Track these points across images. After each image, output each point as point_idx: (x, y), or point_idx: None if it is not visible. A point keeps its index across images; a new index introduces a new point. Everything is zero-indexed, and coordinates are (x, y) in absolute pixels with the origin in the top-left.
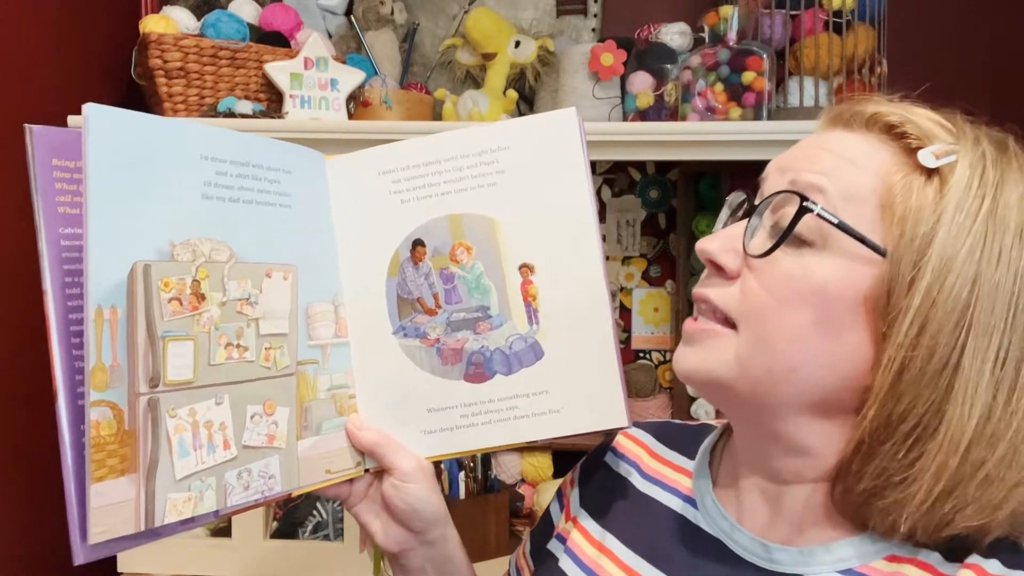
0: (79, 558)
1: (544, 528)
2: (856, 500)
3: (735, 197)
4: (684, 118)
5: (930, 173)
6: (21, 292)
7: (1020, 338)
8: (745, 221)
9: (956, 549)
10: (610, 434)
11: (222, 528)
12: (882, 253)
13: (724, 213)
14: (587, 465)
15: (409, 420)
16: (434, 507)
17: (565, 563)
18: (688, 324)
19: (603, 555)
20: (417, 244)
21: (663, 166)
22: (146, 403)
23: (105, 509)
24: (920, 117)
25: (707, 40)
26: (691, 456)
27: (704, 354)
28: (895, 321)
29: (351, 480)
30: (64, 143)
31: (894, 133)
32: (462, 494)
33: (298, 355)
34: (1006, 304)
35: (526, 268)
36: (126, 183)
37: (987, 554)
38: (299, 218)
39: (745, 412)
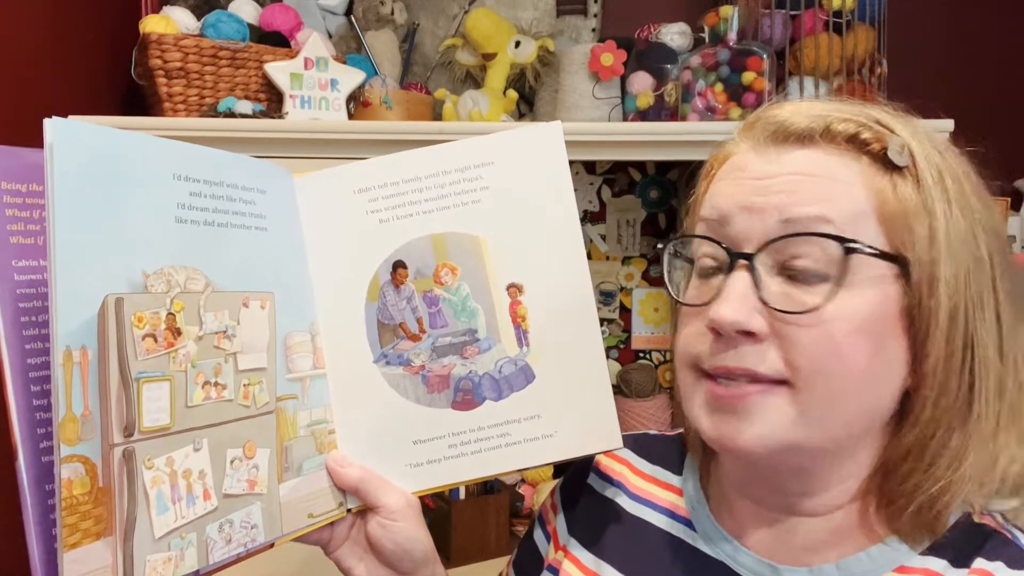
0: None
1: (530, 557)
2: (901, 495)
3: (680, 246)
4: (684, 118)
5: (901, 170)
6: None
7: (1004, 298)
8: (741, 275)
9: (961, 555)
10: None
11: None
12: (906, 263)
13: (675, 266)
14: (568, 489)
15: (394, 454)
16: (424, 546)
17: None
18: (719, 391)
19: None
20: (398, 266)
21: (663, 166)
22: (121, 455)
23: None
24: (856, 116)
25: (707, 40)
26: (674, 470)
27: (760, 424)
28: (931, 320)
29: (332, 523)
30: (15, 165)
31: (856, 141)
32: (462, 494)
33: (277, 390)
34: (988, 270)
35: (514, 288)
36: (94, 206)
37: (991, 557)
38: (275, 242)
39: (796, 464)
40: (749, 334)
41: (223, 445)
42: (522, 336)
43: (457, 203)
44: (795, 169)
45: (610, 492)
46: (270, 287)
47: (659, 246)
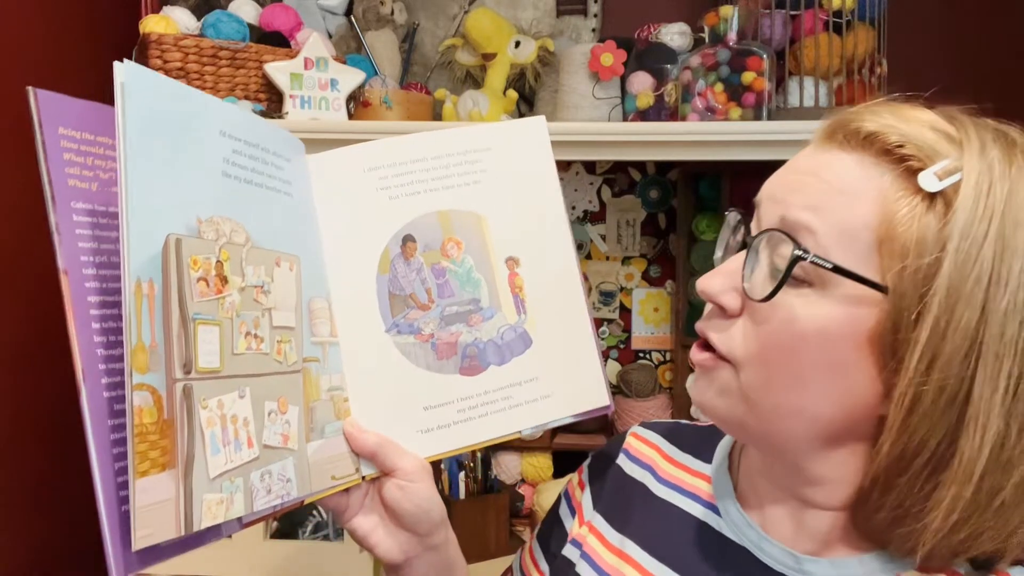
0: (119, 570)
1: (554, 531)
2: (877, 527)
3: (733, 217)
4: (684, 118)
5: (932, 196)
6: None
7: None
8: (743, 255)
9: (983, 562)
10: (606, 425)
11: None
12: (883, 290)
13: (724, 233)
14: (596, 467)
15: (405, 420)
16: (440, 507)
17: (583, 568)
18: (694, 353)
19: (624, 562)
20: (408, 239)
21: (663, 166)
22: (182, 390)
23: (149, 509)
24: (922, 130)
25: (707, 40)
26: (705, 459)
27: (715, 389)
28: (904, 356)
29: (347, 490)
30: (71, 112)
31: (894, 155)
32: (462, 494)
33: (303, 351)
34: (1016, 329)
35: (512, 261)
36: (159, 149)
37: (1013, 563)
38: (297, 208)
39: (762, 446)
40: (722, 309)
41: (262, 396)
42: (520, 304)
43: (460, 183)
44: (812, 170)
45: (639, 474)
46: (295, 251)
47: (728, 211)
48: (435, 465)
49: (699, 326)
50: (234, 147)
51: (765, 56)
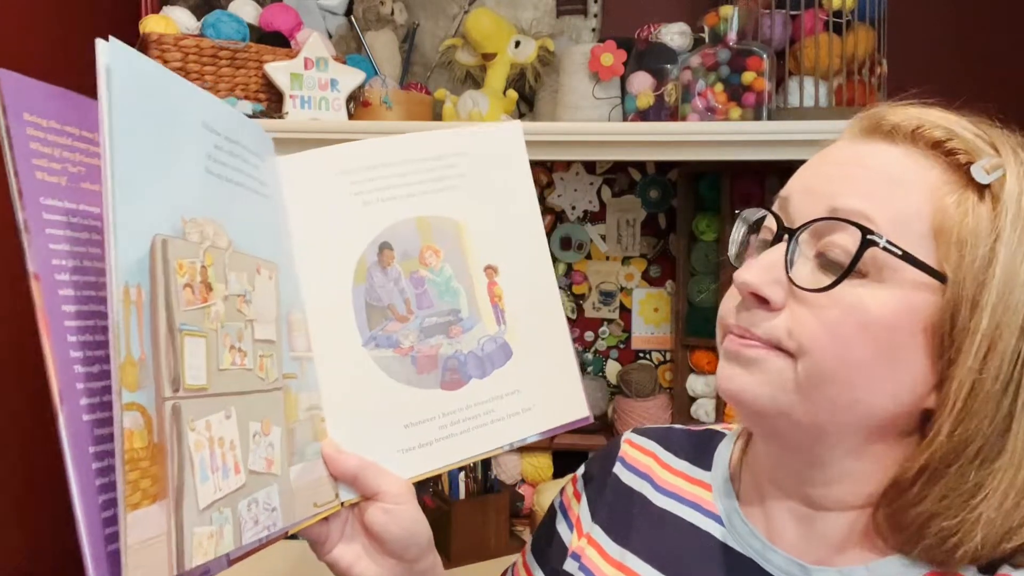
0: None
1: (551, 543)
2: (913, 521)
3: (751, 214)
4: (684, 118)
5: (981, 189)
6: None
7: None
8: (781, 247)
9: (987, 566)
10: (606, 425)
11: None
12: (943, 279)
13: (740, 230)
14: (591, 476)
15: (385, 440)
16: (427, 529)
17: None
18: (733, 342)
19: (622, 572)
20: (384, 247)
21: (663, 166)
22: (171, 410)
23: (141, 547)
24: (964, 130)
25: (707, 40)
26: (702, 466)
27: (761, 378)
28: (962, 344)
29: (326, 519)
30: (36, 97)
31: (941, 148)
32: (462, 494)
33: (283, 367)
34: None
35: (491, 270)
36: (145, 140)
37: (1019, 565)
38: (272, 210)
39: (795, 439)
40: (763, 301)
41: (247, 417)
42: (500, 315)
43: (437, 188)
44: (860, 162)
45: (636, 484)
46: (273, 258)
47: (737, 212)
48: None
49: (734, 320)
50: (216, 142)
51: (765, 56)
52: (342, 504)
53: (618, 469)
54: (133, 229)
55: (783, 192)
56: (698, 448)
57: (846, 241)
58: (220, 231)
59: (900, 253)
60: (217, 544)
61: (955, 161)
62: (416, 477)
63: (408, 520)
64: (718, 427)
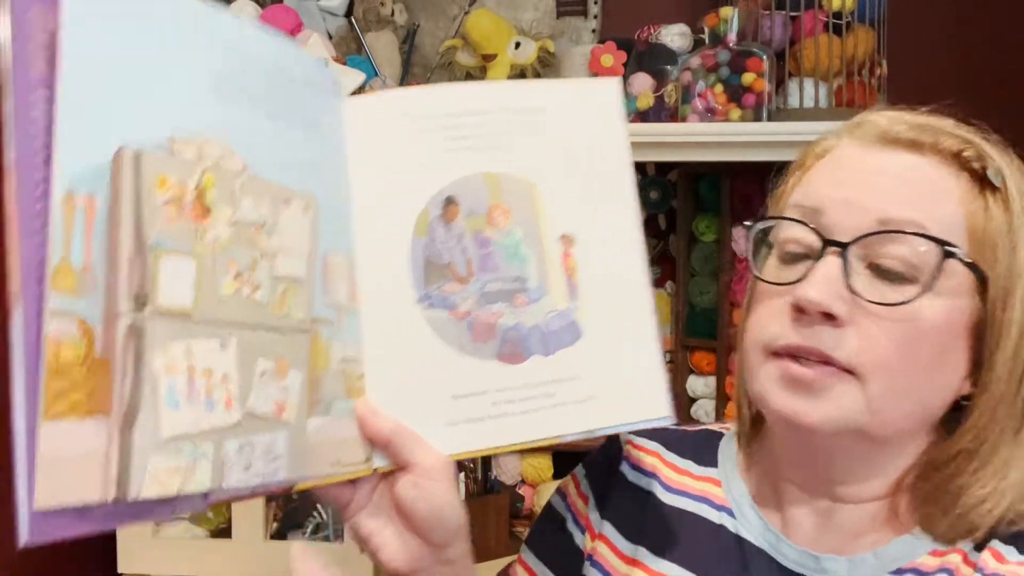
0: (23, 535)
1: (557, 541)
2: (944, 497)
3: (794, 228)
4: (684, 119)
5: (994, 190)
6: None
7: None
8: (832, 261)
9: (982, 541)
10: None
11: (222, 528)
12: (985, 279)
13: (756, 241)
14: (595, 477)
15: (430, 408)
16: (459, 514)
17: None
18: (797, 369)
19: (636, 568)
20: (450, 201)
21: (663, 167)
22: (127, 327)
23: (61, 461)
24: (970, 136)
25: (707, 41)
26: (705, 463)
27: (832, 406)
28: (999, 338)
29: (352, 481)
30: None
31: (961, 158)
32: (462, 495)
33: (313, 310)
34: None
35: (566, 239)
36: (120, 37)
37: (1007, 542)
38: (320, 144)
39: (849, 449)
40: (830, 317)
41: (254, 352)
42: (571, 290)
43: (512, 144)
44: (898, 172)
45: (644, 483)
46: (312, 192)
47: (747, 224)
48: None
49: (795, 340)
50: (234, 59)
51: (765, 57)
52: (374, 470)
53: (624, 469)
54: (86, 133)
55: (806, 202)
56: (699, 447)
57: (902, 251)
58: (231, 155)
59: (969, 263)
60: (185, 480)
61: (971, 167)
62: (458, 454)
63: (439, 500)
64: (715, 427)
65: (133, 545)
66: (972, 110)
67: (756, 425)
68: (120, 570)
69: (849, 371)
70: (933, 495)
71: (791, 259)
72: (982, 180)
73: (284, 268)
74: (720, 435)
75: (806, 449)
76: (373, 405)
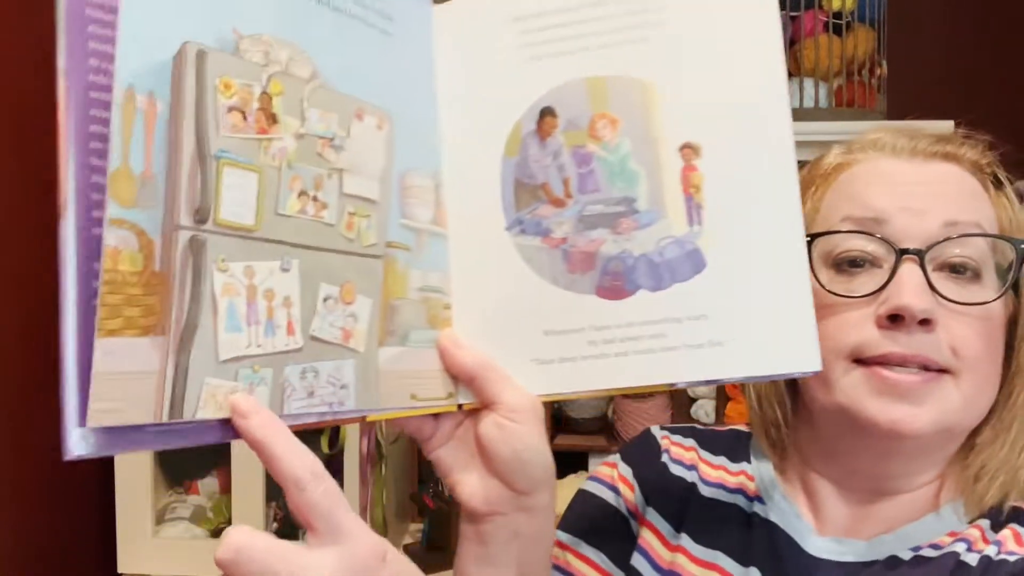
0: (71, 449)
1: (625, 536)
2: (973, 474)
3: (869, 241)
4: None
5: (1000, 190)
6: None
7: None
8: (911, 267)
9: (998, 522)
10: (606, 426)
11: (222, 528)
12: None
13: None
14: (641, 468)
15: (519, 344)
16: (545, 462)
17: (637, 561)
18: (900, 377)
19: (679, 554)
20: (546, 113)
21: None
22: (187, 242)
23: (115, 378)
24: (980, 145)
25: None
26: (738, 460)
27: (937, 408)
28: None
29: (435, 415)
30: None
31: (985, 170)
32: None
33: (387, 233)
34: None
35: (689, 149)
36: None
37: (1022, 522)
38: (399, 53)
39: (919, 448)
40: (925, 322)
41: (316, 276)
42: (694, 211)
43: (622, 40)
44: (944, 180)
45: (688, 476)
46: (389, 106)
47: (809, 236)
48: None
49: (907, 350)
50: None
51: None
52: (460, 407)
53: (666, 460)
54: (148, 27)
55: (864, 213)
56: (731, 445)
57: (969, 252)
58: (301, 59)
59: None
60: None
61: (987, 171)
62: (549, 396)
63: (523, 443)
64: (740, 427)
65: (133, 545)
66: (971, 110)
67: (779, 426)
68: (120, 570)
69: (943, 372)
70: (962, 475)
71: (849, 270)
72: (995, 182)
73: (354, 188)
74: (748, 435)
75: (870, 452)
76: (455, 337)
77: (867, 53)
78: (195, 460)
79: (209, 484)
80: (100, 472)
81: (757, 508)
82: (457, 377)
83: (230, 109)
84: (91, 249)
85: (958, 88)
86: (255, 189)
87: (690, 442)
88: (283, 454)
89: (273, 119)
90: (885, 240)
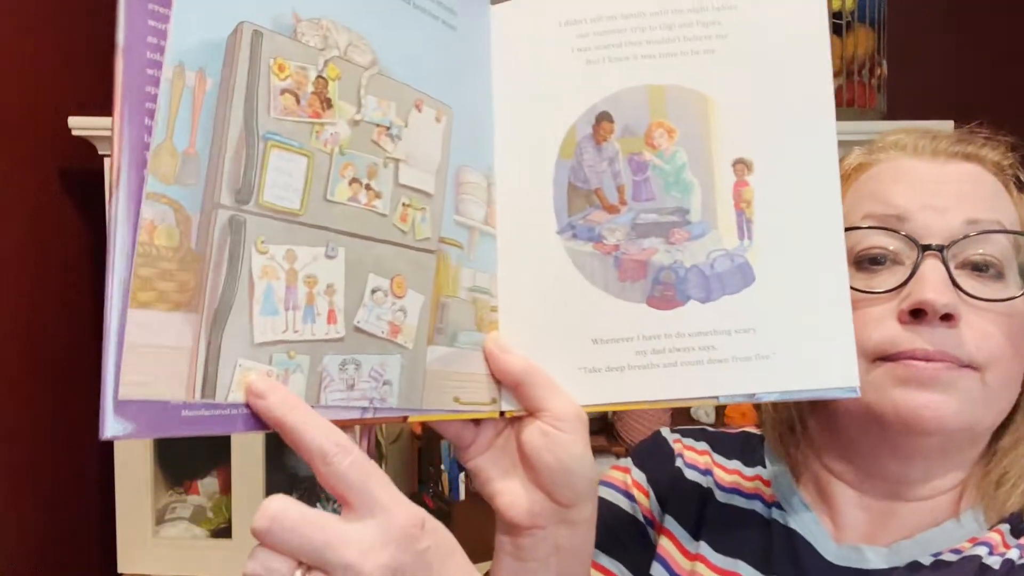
0: (106, 428)
1: (644, 544)
2: (993, 479)
3: (889, 238)
4: None
5: (1021, 190)
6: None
7: None
8: (934, 264)
9: (1019, 527)
10: (606, 426)
11: (222, 528)
12: None
13: (847, 268)
14: (655, 473)
15: (567, 351)
16: (590, 474)
17: (656, 570)
18: (925, 366)
19: (699, 563)
20: (603, 119)
21: None
22: (227, 221)
23: (147, 351)
24: (1002, 146)
25: None
26: (751, 464)
27: (958, 398)
28: None
29: (476, 421)
30: None
31: (1006, 171)
32: (462, 495)
33: (442, 229)
34: None
35: (742, 165)
36: None
37: None
38: (460, 48)
39: (944, 447)
40: (947, 318)
41: (365, 266)
42: (744, 225)
43: (686, 50)
44: (965, 179)
45: (703, 481)
46: (448, 100)
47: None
48: (435, 465)
49: (931, 346)
50: None
51: None
52: (501, 413)
53: (680, 465)
54: (205, 4)
55: (885, 211)
56: (743, 448)
57: (991, 249)
58: (362, 46)
59: None
60: None
61: (1008, 171)
62: (595, 406)
63: (568, 453)
64: (750, 429)
65: (133, 545)
66: (971, 110)
67: (793, 427)
68: (120, 570)
69: (967, 368)
70: (983, 480)
71: (870, 267)
72: (1016, 182)
73: (409, 179)
74: (760, 437)
75: (889, 450)
76: (503, 341)
77: (867, 53)
78: (195, 460)
79: (209, 484)
80: (100, 472)
81: (776, 515)
82: (503, 382)
83: (283, 91)
84: (135, 223)
85: (958, 88)
86: (303, 173)
87: (703, 445)
88: (304, 427)
89: (328, 104)
90: (907, 236)
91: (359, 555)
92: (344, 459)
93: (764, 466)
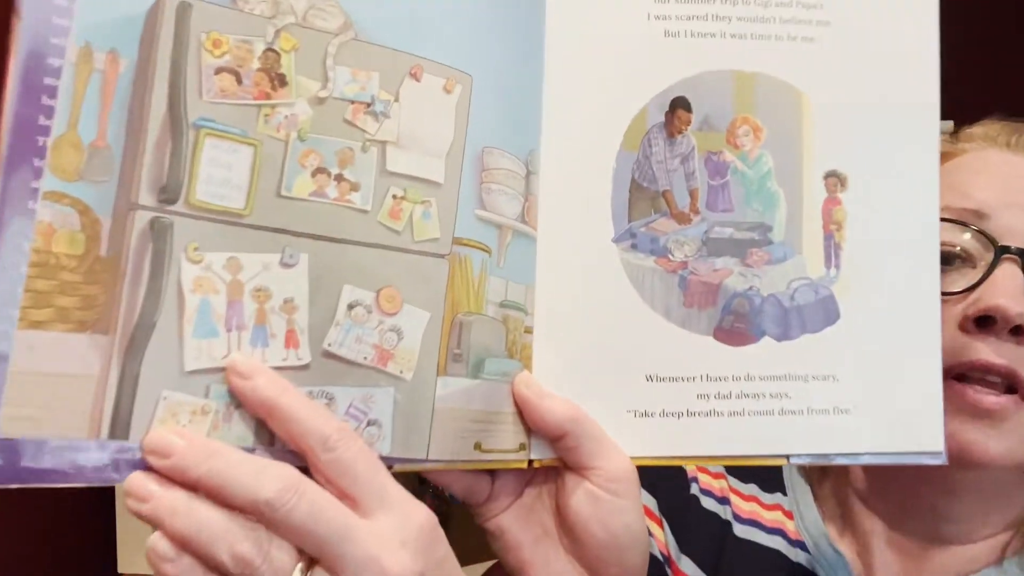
0: None
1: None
2: None
3: (968, 238)
4: None
5: None
6: None
7: None
8: (1012, 269)
9: None
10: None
11: None
12: None
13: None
14: (670, 502)
15: (616, 389)
16: (645, 547)
17: None
18: (982, 398)
19: None
20: (678, 105)
21: None
22: (147, 224)
23: (38, 379)
24: None
25: None
26: (770, 489)
27: (1014, 437)
28: None
29: (490, 472)
30: None
31: None
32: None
33: (456, 227)
34: None
35: (835, 179)
36: None
37: None
38: (496, 10)
39: (986, 483)
40: (1018, 331)
41: (338, 275)
42: (832, 251)
43: (782, 34)
44: None
45: (720, 511)
46: (468, 67)
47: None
48: None
49: (994, 359)
50: None
51: None
52: (530, 463)
53: (696, 492)
54: None
55: (964, 204)
56: (759, 470)
57: None
58: (328, 8)
59: None
60: (211, 428)
61: None
62: (646, 459)
63: (623, 522)
64: None
65: (133, 545)
66: (971, 110)
67: None
68: (120, 570)
69: (1013, 391)
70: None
71: (947, 263)
72: None
73: (402, 165)
74: None
75: (933, 485)
76: (536, 383)
77: None
78: None
79: None
80: None
81: (802, 558)
82: (540, 432)
83: (219, 70)
84: (28, 227)
85: (958, 88)
86: (248, 165)
87: (718, 468)
88: (299, 411)
89: (280, 81)
90: (983, 234)
91: (386, 552)
92: (350, 446)
93: (784, 492)
